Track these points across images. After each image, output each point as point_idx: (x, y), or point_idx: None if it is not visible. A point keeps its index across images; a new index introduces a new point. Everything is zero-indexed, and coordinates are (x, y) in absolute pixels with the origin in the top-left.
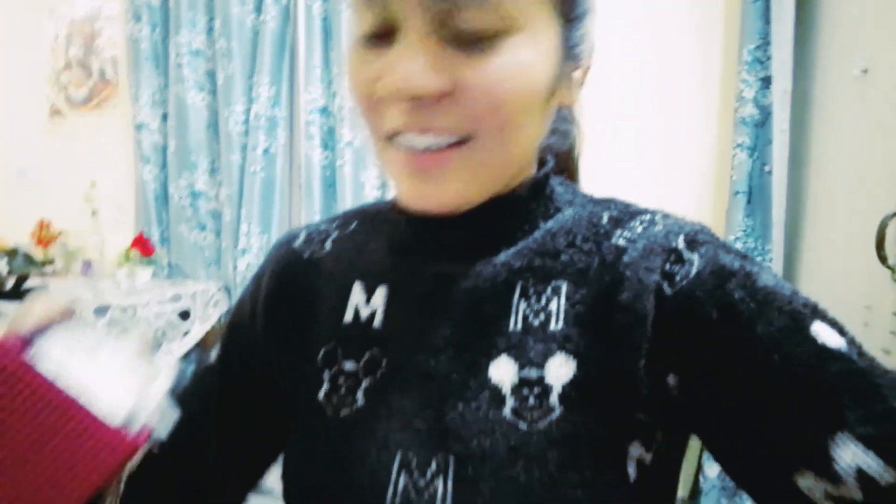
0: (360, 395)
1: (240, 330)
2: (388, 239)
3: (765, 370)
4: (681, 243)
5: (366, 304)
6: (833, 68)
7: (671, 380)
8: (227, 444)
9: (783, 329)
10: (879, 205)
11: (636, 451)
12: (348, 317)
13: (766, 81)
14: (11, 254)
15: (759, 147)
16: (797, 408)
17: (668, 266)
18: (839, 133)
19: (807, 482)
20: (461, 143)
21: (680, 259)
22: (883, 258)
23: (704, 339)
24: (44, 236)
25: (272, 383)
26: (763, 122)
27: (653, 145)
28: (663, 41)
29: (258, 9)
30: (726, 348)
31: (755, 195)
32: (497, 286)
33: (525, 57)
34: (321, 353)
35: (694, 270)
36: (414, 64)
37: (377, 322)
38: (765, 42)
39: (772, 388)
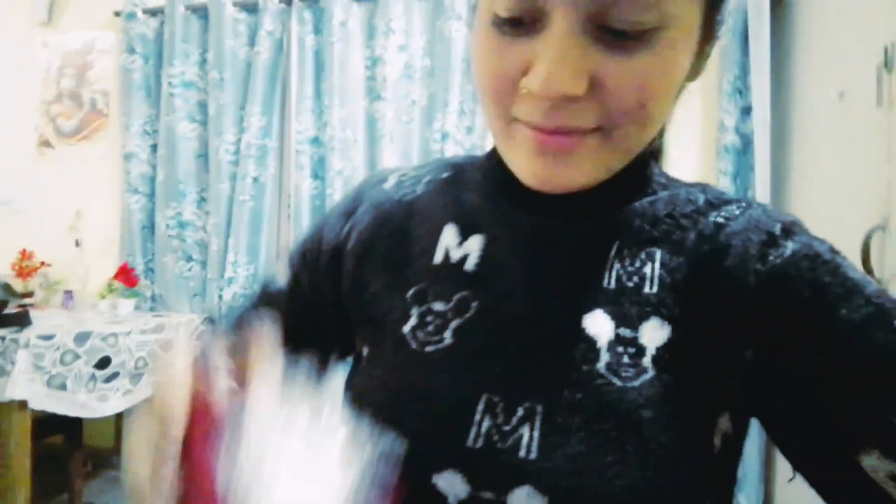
0: (448, 333)
1: (320, 255)
2: (484, 190)
3: (842, 350)
4: (777, 229)
5: (457, 246)
6: (811, 93)
7: (749, 353)
8: (297, 349)
9: (868, 316)
10: (862, 221)
11: (725, 423)
12: (438, 258)
13: (747, 111)
14: None
15: (742, 173)
16: (868, 387)
17: (763, 247)
18: (819, 155)
19: (871, 461)
20: (597, 129)
21: (775, 242)
22: (869, 271)
23: (790, 316)
24: (24, 267)
25: (342, 306)
26: (744, 149)
27: None
28: None
29: (251, 41)
30: (809, 326)
31: None
32: (595, 241)
33: (672, 52)
34: (412, 290)
35: (789, 251)
36: (564, 66)
37: (469, 265)
38: (743, 72)
39: (846, 367)
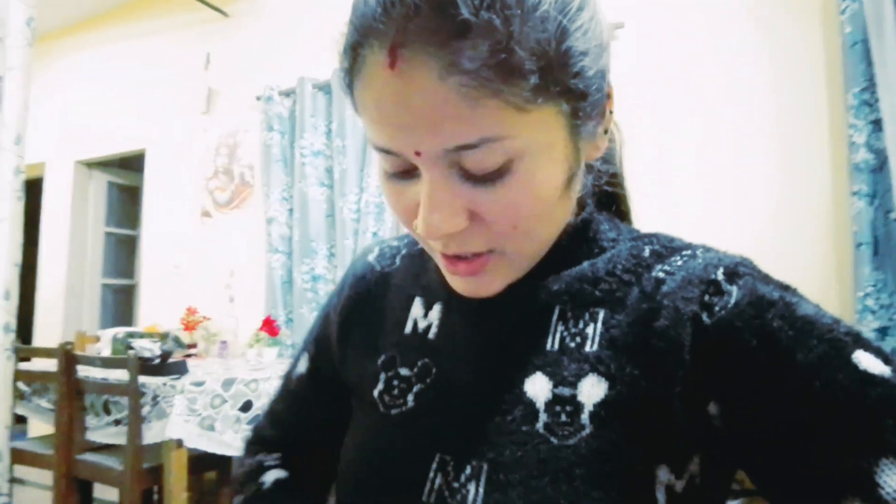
0: (410, 397)
1: (329, 341)
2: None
3: (806, 397)
4: (720, 275)
5: (423, 317)
6: None
7: (712, 408)
8: (326, 437)
9: (823, 356)
10: None
11: (664, 475)
12: (408, 328)
13: (877, 124)
14: (163, 337)
15: (880, 193)
16: (840, 434)
17: (706, 297)
18: None
19: None
20: (491, 251)
21: (719, 290)
22: None
23: (744, 368)
24: (190, 321)
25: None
26: (880, 166)
27: (763, 202)
28: (764, 92)
29: None
30: (766, 377)
31: (882, 246)
32: (537, 306)
33: (535, 175)
34: (382, 357)
35: (732, 301)
36: (439, 211)
37: (432, 334)
38: (870, 84)
39: (813, 415)
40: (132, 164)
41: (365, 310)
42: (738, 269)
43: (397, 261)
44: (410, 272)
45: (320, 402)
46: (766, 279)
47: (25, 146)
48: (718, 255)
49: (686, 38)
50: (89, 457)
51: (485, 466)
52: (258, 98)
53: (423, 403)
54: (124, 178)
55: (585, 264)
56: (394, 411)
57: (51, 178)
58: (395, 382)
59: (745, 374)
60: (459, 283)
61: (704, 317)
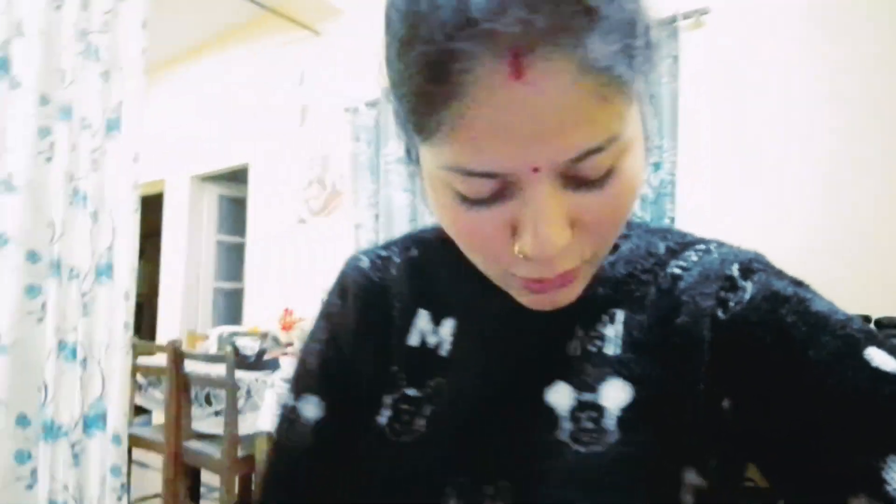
0: (421, 421)
1: (339, 361)
2: (454, 271)
3: (817, 393)
4: (735, 271)
5: (433, 333)
6: None
7: (726, 404)
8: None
9: (835, 353)
10: None
11: (692, 478)
12: (412, 340)
13: None
14: (262, 337)
15: None
16: (849, 431)
17: (722, 293)
18: None
19: None
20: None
21: (734, 286)
22: None
23: (758, 364)
24: (287, 322)
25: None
26: None
27: (865, 200)
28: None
29: None
30: (779, 372)
31: None
32: (560, 315)
33: (634, 169)
34: (384, 373)
35: (747, 296)
36: (552, 227)
37: (444, 351)
38: None
39: (824, 411)
40: (239, 176)
41: (374, 326)
42: (752, 265)
43: (392, 271)
44: (410, 283)
45: (346, 441)
46: (780, 275)
47: (142, 164)
48: (733, 251)
49: (768, 29)
50: (194, 444)
51: (508, 484)
52: (346, 110)
53: (437, 426)
54: (233, 189)
55: (605, 262)
56: (404, 438)
57: (169, 192)
58: (404, 406)
59: (759, 370)
60: (540, 299)
61: (720, 312)
